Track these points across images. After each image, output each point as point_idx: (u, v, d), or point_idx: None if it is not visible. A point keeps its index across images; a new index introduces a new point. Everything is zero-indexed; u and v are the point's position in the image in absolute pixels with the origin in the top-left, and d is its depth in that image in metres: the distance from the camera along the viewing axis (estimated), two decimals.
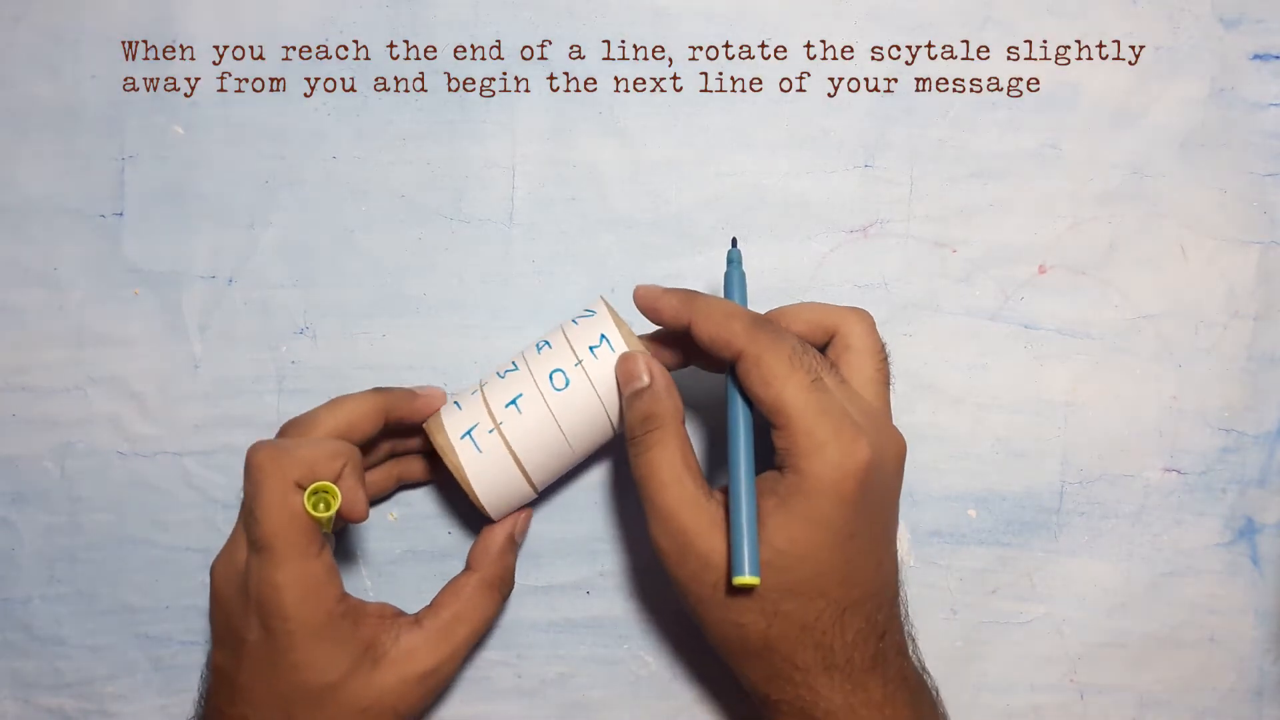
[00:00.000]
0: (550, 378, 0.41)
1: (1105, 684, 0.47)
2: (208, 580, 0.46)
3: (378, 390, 0.42)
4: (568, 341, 0.41)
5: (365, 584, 0.46)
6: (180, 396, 0.46)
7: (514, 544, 0.43)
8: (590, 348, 0.41)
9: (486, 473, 0.41)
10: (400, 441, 0.45)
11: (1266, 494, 0.47)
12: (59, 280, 0.46)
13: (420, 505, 0.47)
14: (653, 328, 0.42)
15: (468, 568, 0.43)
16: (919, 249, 0.47)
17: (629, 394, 0.39)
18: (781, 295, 0.46)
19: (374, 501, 0.46)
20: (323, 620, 0.38)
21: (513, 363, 0.42)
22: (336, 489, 0.38)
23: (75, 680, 0.47)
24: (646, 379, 0.39)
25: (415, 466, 0.46)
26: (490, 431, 0.40)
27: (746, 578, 0.35)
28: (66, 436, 0.46)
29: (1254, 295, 0.47)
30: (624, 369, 0.40)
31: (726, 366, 0.39)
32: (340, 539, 0.46)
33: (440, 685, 0.41)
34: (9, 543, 0.47)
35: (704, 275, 0.46)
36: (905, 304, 0.47)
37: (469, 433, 0.41)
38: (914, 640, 0.41)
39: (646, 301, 0.40)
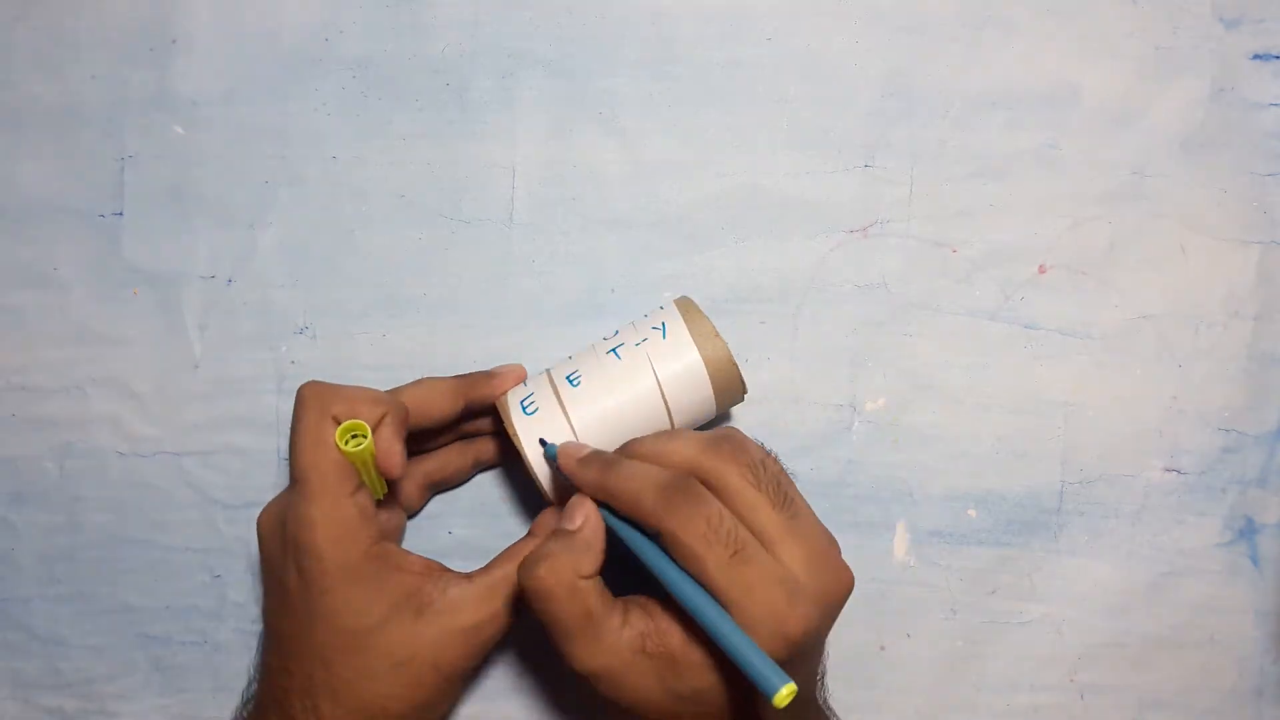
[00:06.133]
0: (612, 352, 0.41)
1: (1105, 684, 0.47)
2: (208, 580, 0.47)
3: (459, 376, 0.43)
4: (634, 327, 0.42)
5: None
6: (180, 396, 0.46)
7: None
8: (652, 327, 0.41)
9: (545, 454, 0.41)
10: (473, 423, 0.45)
11: (1266, 494, 0.47)
12: (59, 280, 0.46)
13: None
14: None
15: (530, 534, 0.43)
16: (919, 249, 0.47)
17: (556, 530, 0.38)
18: (782, 295, 0.46)
19: (456, 484, 0.46)
20: (357, 562, 0.38)
21: (587, 346, 0.43)
22: (369, 428, 0.38)
23: (75, 680, 0.47)
24: (577, 524, 0.37)
25: (490, 448, 0.46)
26: (549, 401, 0.41)
27: (783, 693, 0.32)
28: (66, 436, 0.46)
29: (1254, 295, 0.47)
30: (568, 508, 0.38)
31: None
32: None
33: (483, 646, 0.40)
34: (9, 543, 0.47)
35: (704, 275, 0.46)
36: (905, 304, 0.47)
37: (526, 400, 0.41)
38: (835, 714, 0.41)
39: (565, 474, 0.39)
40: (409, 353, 0.46)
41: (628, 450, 0.38)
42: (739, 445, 0.37)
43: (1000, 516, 0.47)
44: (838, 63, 0.46)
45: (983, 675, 0.47)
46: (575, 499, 0.38)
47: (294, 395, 0.46)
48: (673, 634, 0.35)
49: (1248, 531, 0.47)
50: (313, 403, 0.38)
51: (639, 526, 0.36)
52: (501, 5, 0.46)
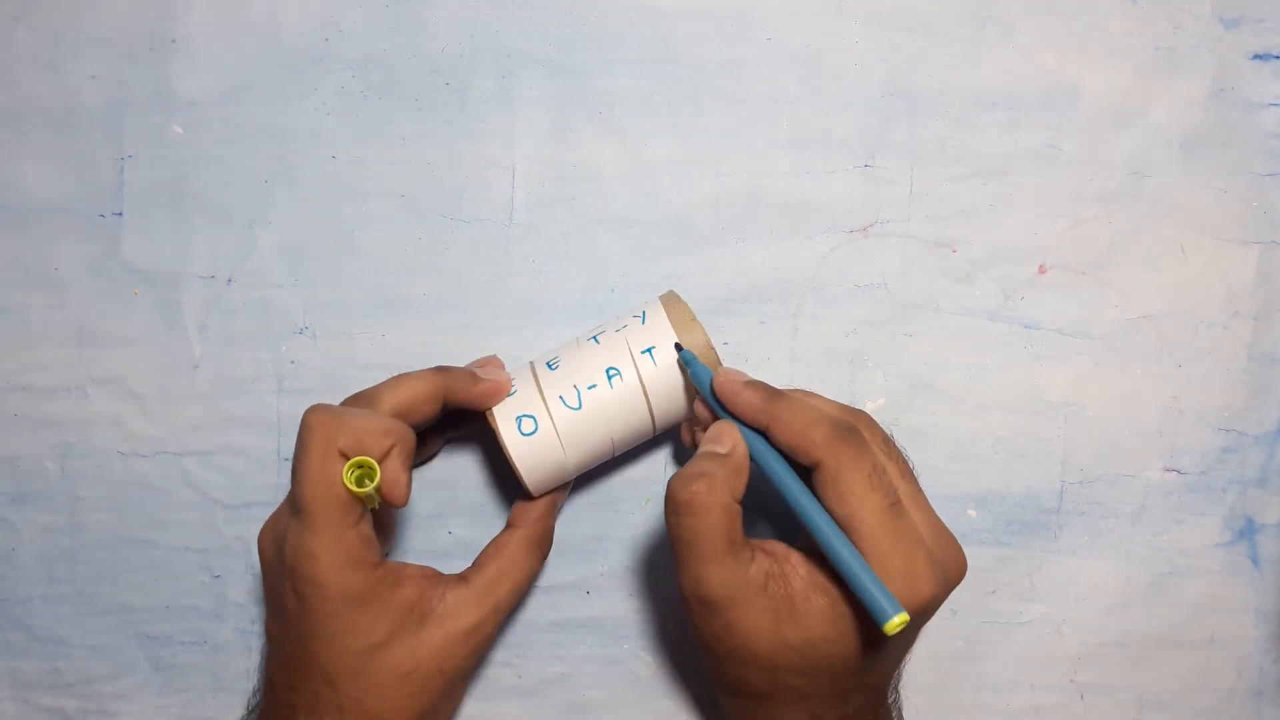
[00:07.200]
0: (593, 339, 0.42)
1: (1105, 684, 0.47)
2: (208, 580, 0.47)
3: (440, 369, 0.42)
4: (618, 318, 0.43)
5: None
6: (180, 396, 0.46)
7: (554, 507, 0.44)
8: (633, 315, 0.42)
9: (518, 429, 0.41)
10: (456, 430, 0.45)
11: (1266, 494, 0.47)
12: (59, 280, 0.46)
13: (420, 505, 0.47)
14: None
15: (509, 525, 0.43)
16: (919, 249, 0.47)
17: (702, 452, 0.38)
18: (781, 295, 0.46)
19: (423, 462, 0.46)
20: (359, 589, 0.38)
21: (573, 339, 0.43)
22: (377, 467, 0.37)
23: (75, 680, 0.47)
24: (727, 448, 0.38)
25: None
26: (527, 385, 0.41)
27: (895, 621, 0.33)
28: (66, 436, 0.46)
29: (1254, 295, 0.47)
30: (712, 430, 0.39)
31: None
32: None
33: (483, 644, 0.41)
34: (9, 543, 0.47)
35: (704, 275, 0.46)
36: (905, 304, 0.47)
37: (521, 419, 0.41)
38: (900, 711, 0.42)
39: (726, 394, 0.39)
40: (409, 353, 0.46)
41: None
42: (872, 419, 0.39)
43: (1000, 516, 0.47)
44: (838, 63, 0.46)
45: (983, 675, 0.47)
46: (721, 424, 0.38)
47: (294, 395, 0.46)
48: (795, 578, 0.36)
49: (1248, 531, 0.47)
50: (319, 433, 0.37)
51: (787, 458, 0.37)
52: (501, 5, 0.46)
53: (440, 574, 0.41)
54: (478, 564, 0.42)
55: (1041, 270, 0.47)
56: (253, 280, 0.46)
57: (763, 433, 0.38)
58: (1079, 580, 0.47)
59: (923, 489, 0.39)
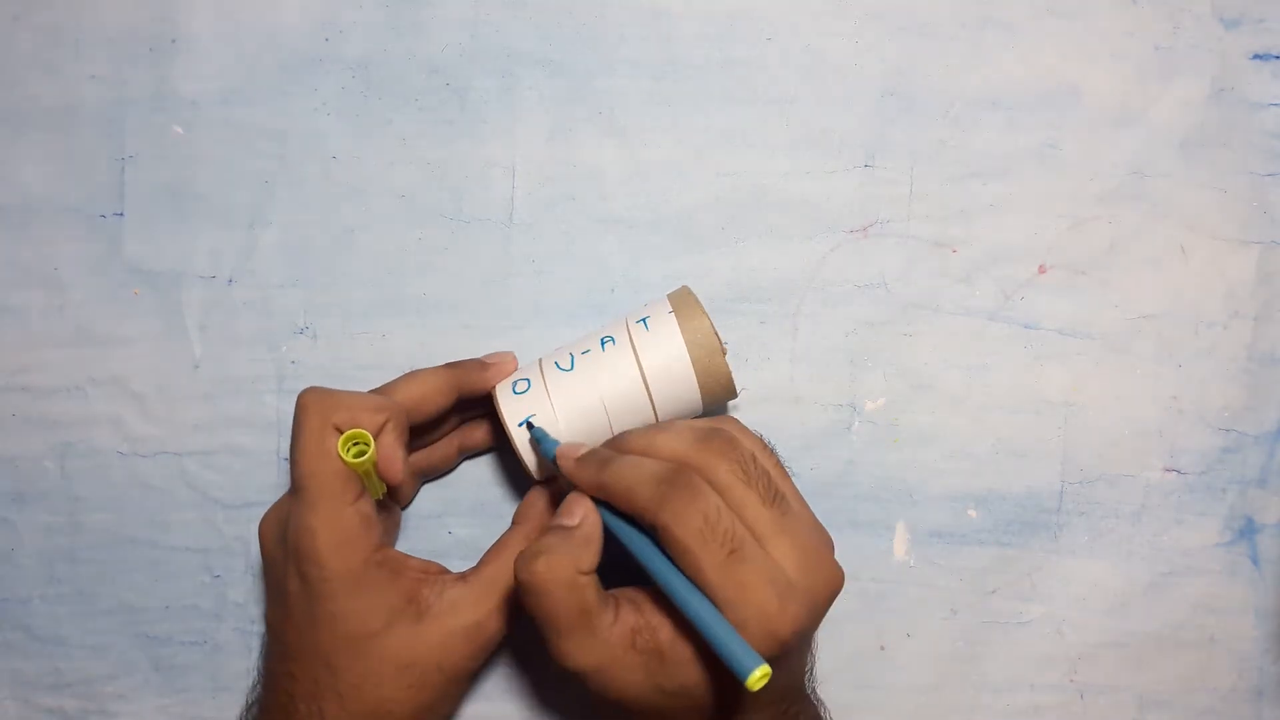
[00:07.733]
0: (601, 341, 0.42)
1: (1105, 684, 0.47)
2: (207, 580, 0.47)
3: (450, 365, 0.43)
4: (629, 316, 0.42)
5: None
6: (180, 396, 0.46)
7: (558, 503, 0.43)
8: (643, 318, 0.42)
9: (511, 390, 0.41)
10: (466, 413, 0.45)
11: (1266, 494, 0.47)
12: (59, 280, 0.46)
13: (420, 505, 0.47)
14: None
15: (514, 524, 0.43)
16: (919, 249, 0.47)
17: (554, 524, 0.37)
18: (781, 295, 0.46)
19: (443, 472, 0.46)
20: (358, 569, 0.38)
21: (586, 333, 0.44)
22: (372, 440, 0.38)
23: (75, 680, 0.47)
24: (576, 520, 0.37)
25: (476, 434, 0.46)
26: (537, 388, 0.41)
27: (755, 676, 0.32)
28: (66, 436, 0.46)
29: (1254, 295, 0.47)
30: (564, 505, 0.38)
31: None
32: None
33: (485, 643, 0.40)
34: (9, 543, 0.47)
35: (704, 275, 0.46)
36: (905, 304, 0.47)
37: (517, 382, 0.42)
38: (824, 704, 0.41)
39: (563, 472, 0.38)
40: (409, 353, 0.46)
41: (620, 444, 0.38)
42: (729, 439, 0.36)
43: (1000, 516, 0.47)
44: (838, 63, 0.46)
45: (983, 675, 0.47)
46: (574, 495, 0.38)
47: (294, 395, 0.46)
48: (662, 629, 0.35)
49: (1248, 531, 0.47)
50: (314, 411, 0.38)
51: (636, 523, 0.36)
52: (501, 5, 0.46)
53: (444, 571, 0.41)
54: (479, 563, 0.42)
55: (1041, 270, 0.47)
56: (253, 280, 0.46)
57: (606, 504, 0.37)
58: (1079, 580, 0.47)
59: (794, 505, 0.36)
